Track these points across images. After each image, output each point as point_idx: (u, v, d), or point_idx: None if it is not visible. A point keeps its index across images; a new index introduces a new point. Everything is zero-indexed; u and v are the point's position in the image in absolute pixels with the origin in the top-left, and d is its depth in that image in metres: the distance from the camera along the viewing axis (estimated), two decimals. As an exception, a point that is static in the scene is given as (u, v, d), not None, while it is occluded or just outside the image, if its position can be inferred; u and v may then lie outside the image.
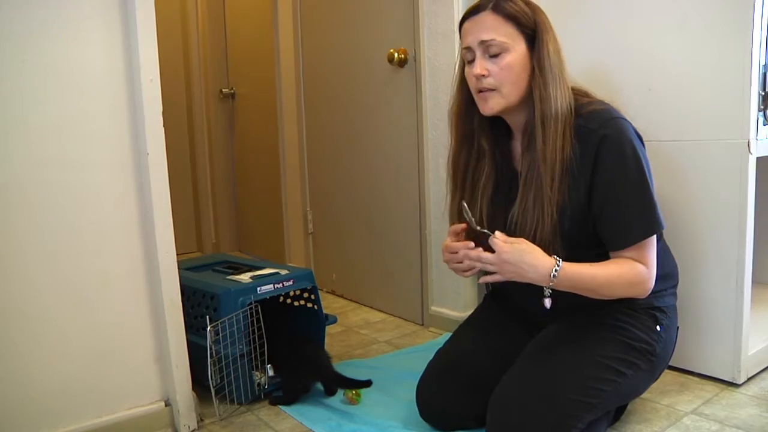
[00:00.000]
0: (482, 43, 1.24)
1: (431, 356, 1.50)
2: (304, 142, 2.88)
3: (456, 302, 2.14)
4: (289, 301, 1.87)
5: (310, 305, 1.82)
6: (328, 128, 2.71)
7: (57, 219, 1.34)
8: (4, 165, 1.27)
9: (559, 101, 1.23)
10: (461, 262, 1.26)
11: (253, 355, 1.63)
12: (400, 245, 2.34)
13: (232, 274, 1.75)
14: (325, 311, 1.81)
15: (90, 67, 1.35)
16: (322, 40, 2.69)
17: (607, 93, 1.33)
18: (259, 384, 1.65)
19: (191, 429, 1.50)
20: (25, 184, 1.30)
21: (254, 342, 1.61)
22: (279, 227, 3.10)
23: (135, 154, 1.42)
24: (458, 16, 1.81)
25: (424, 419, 1.45)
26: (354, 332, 2.24)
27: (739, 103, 1.50)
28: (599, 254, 1.26)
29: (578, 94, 1.30)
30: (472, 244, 1.24)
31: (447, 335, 1.80)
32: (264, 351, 1.64)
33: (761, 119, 1.52)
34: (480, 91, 1.27)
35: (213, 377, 1.55)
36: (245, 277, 1.69)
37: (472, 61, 1.27)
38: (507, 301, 1.51)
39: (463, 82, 1.33)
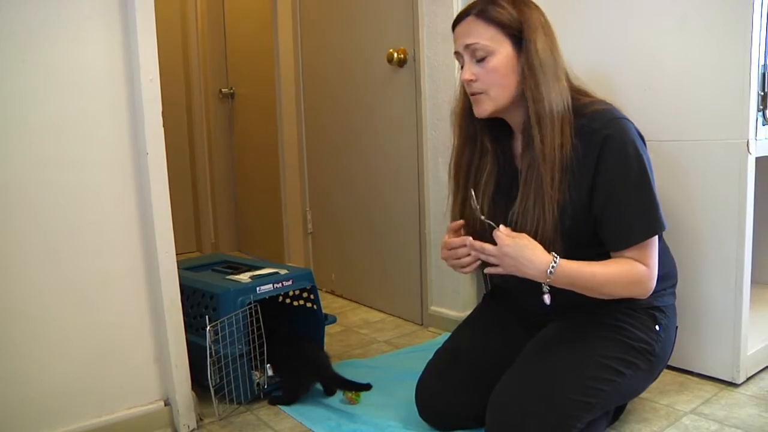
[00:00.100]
0: (467, 47, 1.27)
1: (430, 356, 1.50)
2: (303, 142, 2.88)
3: (455, 302, 2.14)
4: (288, 300, 1.87)
5: (309, 305, 1.82)
6: (328, 128, 2.71)
7: (57, 219, 1.34)
8: (4, 165, 1.27)
9: (554, 100, 1.22)
10: (459, 258, 1.28)
11: (252, 355, 1.63)
12: (399, 245, 2.34)
13: (232, 273, 1.76)
14: (324, 311, 1.81)
15: (90, 67, 1.35)
16: (322, 40, 2.69)
17: (606, 93, 1.33)
18: (258, 384, 1.65)
19: (191, 429, 1.50)
20: (25, 184, 1.30)
21: (253, 342, 1.61)
22: (278, 227, 3.11)
23: (135, 154, 1.42)
24: (458, 16, 1.81)
25: (423, 419, 1.45)
26: (353, 332, 2.24)
27: (739, 103, 1.50)
28: (600, 253, 1.26)
29: (578, 92, 1.30)
30: (470, 240, 1.25)
31: (446, 335, 1.80)
32: (263, 351, 1.64)
33: (760, 119, 1.52)
34: (472, 95, 1.30)
35: (212, 377, 1.55)
36: (245, 277, 1.69)
37: (464, 66, 1.29)
38: (506, 301, 1.51)
39: None
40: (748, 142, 1.50)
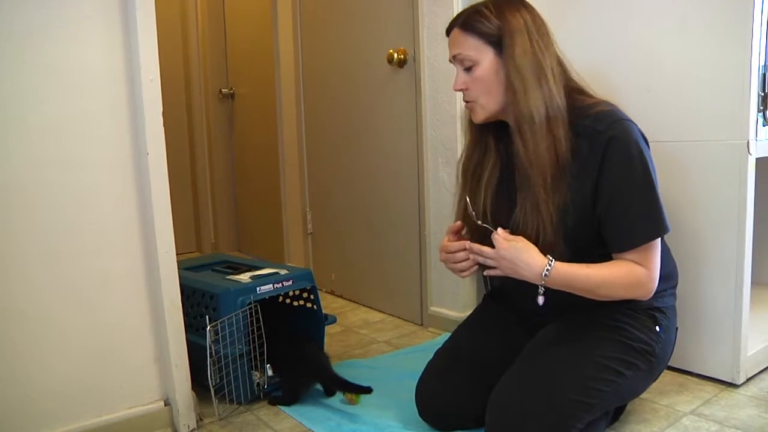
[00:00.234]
0: (455, 57, 1.31)
1: (430, 356, 1.50)
2: (303, 142, 2.88)
3: (455, 302, 2.14)
4: (288, 301, 1.87)
5: (309, 305, 1.82)
6: (328, 128, 2.71)
7: (57, 219, 1.34)
8: (4, 165, 1.27)
9: (534, 104, 1.22)
10: (458, 262, 1.30)
11: (252, 355, 1.63)
12: (399, 245, 2.34)
13: (232, 274, 1.75)
14: (324, 311, 1.81)
15: (90, 67, 1.35)
16: (322, 40, 2.69)
17: (606, 93, 1.33)
18: (258, 384, 1.65)
19: (190, 428, 1.50)
20: (25, 184, 1.30)
21: (253, 342, 1.61)
22: (278, 227, 3.11)
23: (135, 154, 1.42)
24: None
25: (423, 419, 1.45)
26: (353, 332, 2.24)
27: (739, 103, 1.50)
28: (602, 254, 1.26)
29: (579, 92, 1.30)
30: (469, 243, 1.26)
31: (446, 335, 1.80)
32: (263, 351, 1.64)
33: (761, 120, 1.52)
34: (465, 102, 1.34)
35: (212, 377, 1.55)
36: (245, 277, 1.69)
37: (456, 75, 1.33)
38: (506, 301, 1.51)
39: None
40: (748, 142, 1.50)
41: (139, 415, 1.46)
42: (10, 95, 1.27)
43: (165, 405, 1.50)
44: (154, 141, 1.41)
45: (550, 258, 1.20)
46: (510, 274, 1.22)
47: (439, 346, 1.52)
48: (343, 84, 2.55)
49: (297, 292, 1.83)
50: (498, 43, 1.25)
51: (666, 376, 1.65)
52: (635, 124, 1.25)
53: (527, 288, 1.23)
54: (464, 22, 1.28)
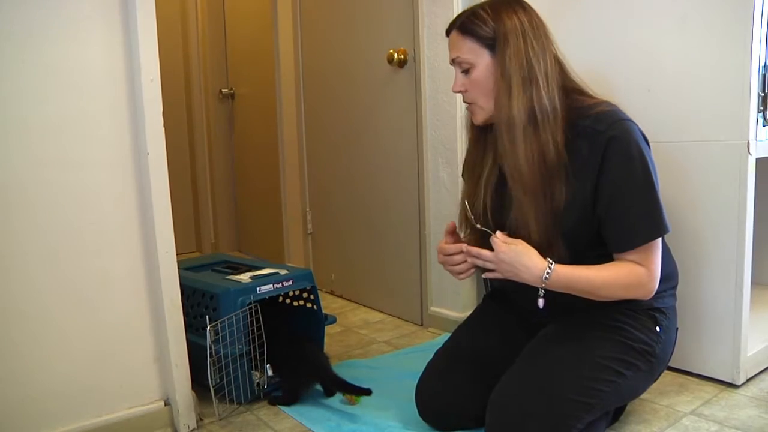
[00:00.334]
0: (453, 61, 1.31)
1: (430, 356, 1.50)
2: (303, 142, 2.88)
3: (455, 303, 2.14)
4: (288, 301, 1.87)
5: (309, 305, 1.82)
6: (328, 128, 2.71)
7: (57, 219, 1.34)
8: (4, 165, 1.27)
9: (516, 107, 1.22)
10: (456, 265, 1.31)
11: (252, 355, 1.63)
12: (399, 245, 2.34)
13: (232, 274, 1.75)
14: (324, 311, 1.81)
15: (90, 67, 1.35)
16: (322, 40, 2.69)
17: (606, 93, 1.33)
18: (258, 384, 1.65)
19: (190, 428, 1.50)
20: (25, 184, 1.30)
21: (253, 342, 1.61)
22: (278, 227, 3.11)
23: (135, 154, 1.42)
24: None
25: (423, 419, 1.45)
26: (353, 332, 2.24)
27: (739, 104, 1.50)
28: (601, 254, 1.26)
29: (576, 92, 1.30)
30: (466, 247, 1.27)
31: (446, 335, 1.80)
32: (263, 351, 1.64)
33: (761, 120, 1.52)
34: (466, 104, 1.35)
35: (212, 377, 1.55)
36: (245, 277, 1.69)
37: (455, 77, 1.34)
38: (506, 301, 1.51)
39: None
40: (748, 143, 1.50)
41: (139, 415, 1.46)
42: (10, 95, 1.27)
43: (165, 405, 1.50)
44: (154, 141, 1.41)
45: (550, 261, 1.20)
46: (510, 277, 1.22)
47: (439, 346, 1.52)
48: (343, 84, 2.55)
49: (297, 292, 1.83)
50: (493, 45, 1.25)
51: (666, 376, 1.65)
52: (636, 124, 1.25)
53: (527, 289, 1.23)
54: (462, 25, 1.29)
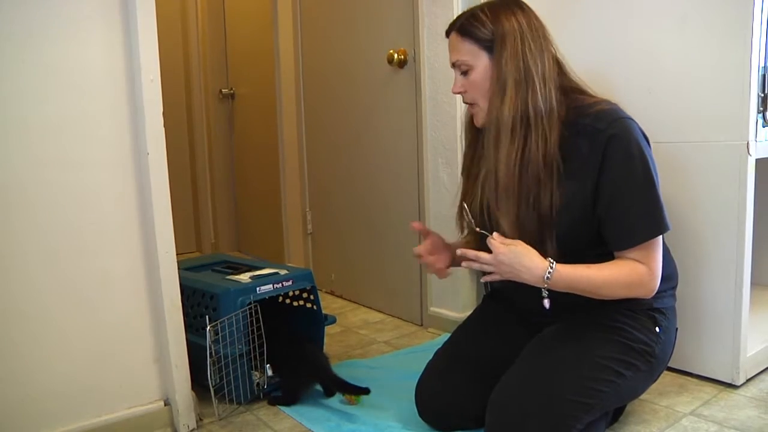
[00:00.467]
0: (453, 64, 1.32)
1: (430, 357, 1.50)
2: (303, 142, 2.88)
3: (455, 303, 2.14)
4: (288, 301, 1.87)
5: (309, 305, 1.82)
6: (328, 129, 2.71)
7: (57, 219, 1.34)
8: (4, 165, 1.27)
9: (507, 110, 1.23)
10: (430, 265, 1.38)
11: (252, 355, 1.63)
12: (399, 245, 2.34)
13: (232, 274, 1.76)
14: (324, 311, 1.81)
15: (90, 67, 1.35)
16: (322, 40, 2.69)
17: (606, 94, 1.33)
18: (258, 384, 1.65)
19: (190, 428, 1.50)
20: (25, 184, 1.30)
21: (253, 342, 1.61)
22: (278, 227, 3.11)
23: (135, 154, 1.42)
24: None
25: (423, 419, 1.45)
26: (353, 332, 2.24)
27: (739, 104, 1.50)
28: (600, 254, 1.26)
29: (576, 92, 1.30)
30: (462, 250, 1.25)
31: (446, 336, 1.80)
32: (263, 351, 1.64)
33: (760, 121, 1.52)
34: (467, 105, 1.35)
35: (212, 377, 1.55)
36: (245, 277, 1.69)
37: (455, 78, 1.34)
38: (506, 301, 1.51)
39: None
40: (748, 143, 1.50)
41: (139, 415, 1.46)
42: (10, 95, 1.27)
43: (165, 405, 1.50)
44: (154, 141, 1.41)
45: (551, 261, 1.20)
46: (510, 278, 1.21)
47: (439, 346, 1.52)
48: (343, 84, 2.55)
49: (297, 293, 1.83)
50: (492, 47, 1.26)
51: (665, 376, 1.65)
52: (636, 122, 1.25)
53: (528, 289, 1.23)
54: (461, 27, 1.29)
